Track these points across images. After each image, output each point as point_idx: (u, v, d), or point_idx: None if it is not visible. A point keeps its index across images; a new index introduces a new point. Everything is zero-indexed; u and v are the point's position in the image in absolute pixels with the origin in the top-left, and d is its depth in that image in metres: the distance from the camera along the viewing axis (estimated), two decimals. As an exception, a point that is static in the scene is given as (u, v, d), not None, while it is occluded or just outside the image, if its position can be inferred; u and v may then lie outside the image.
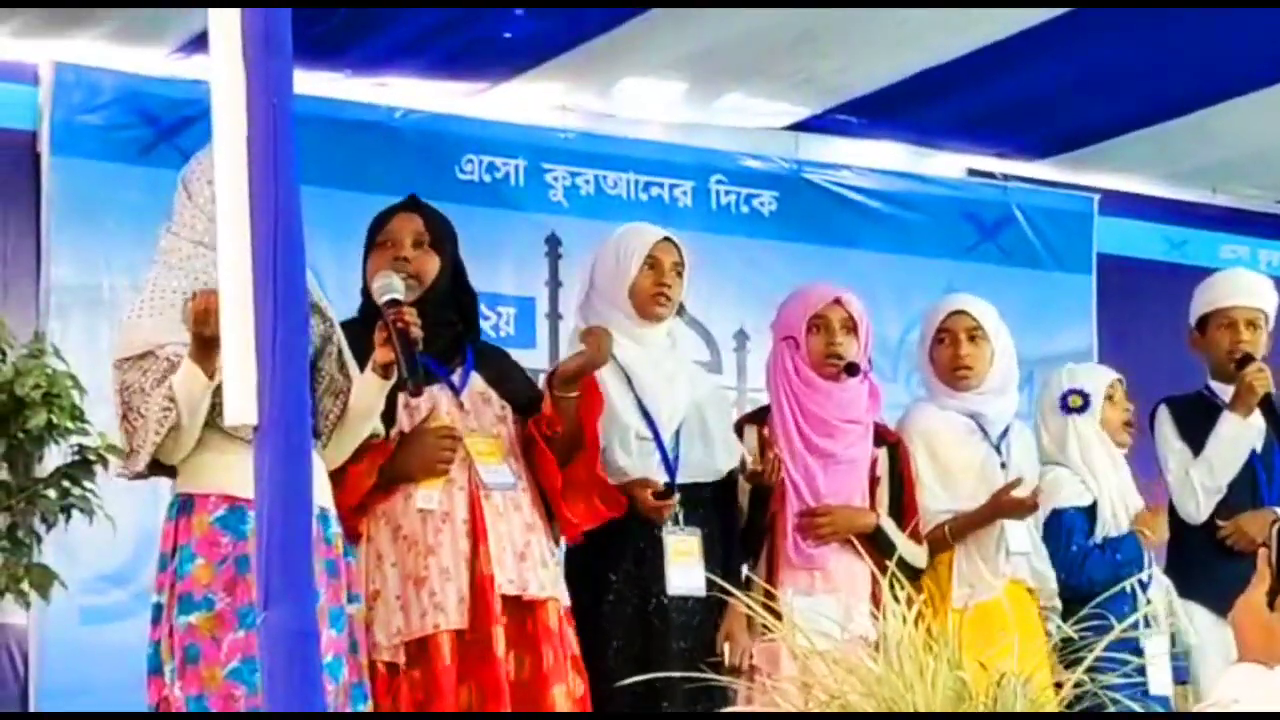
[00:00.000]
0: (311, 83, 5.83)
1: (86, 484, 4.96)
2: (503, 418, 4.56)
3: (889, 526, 4.98)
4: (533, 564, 4.41)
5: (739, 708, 3.96)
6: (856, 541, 4.66)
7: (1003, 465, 5.25)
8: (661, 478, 4.75)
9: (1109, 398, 5.51)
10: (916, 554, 5.00)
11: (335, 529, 4.12)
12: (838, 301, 5.06)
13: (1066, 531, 5.34)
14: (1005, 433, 5.31)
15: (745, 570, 4.91)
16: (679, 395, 4.87)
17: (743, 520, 4.93)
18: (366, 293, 4.48)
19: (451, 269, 4.57)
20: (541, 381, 4.69)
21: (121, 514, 5.05)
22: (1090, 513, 5.38)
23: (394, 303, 4.18)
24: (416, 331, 4.12)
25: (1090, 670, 2.50)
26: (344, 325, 4.31)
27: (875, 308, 5.47)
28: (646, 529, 4.73)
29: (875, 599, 4.24)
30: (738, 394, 6.54)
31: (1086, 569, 5.27)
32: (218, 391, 3.80)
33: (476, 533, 4.37)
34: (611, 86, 6.42)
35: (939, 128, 6.95)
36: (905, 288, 6.83)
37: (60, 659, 5.52)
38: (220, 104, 2.46)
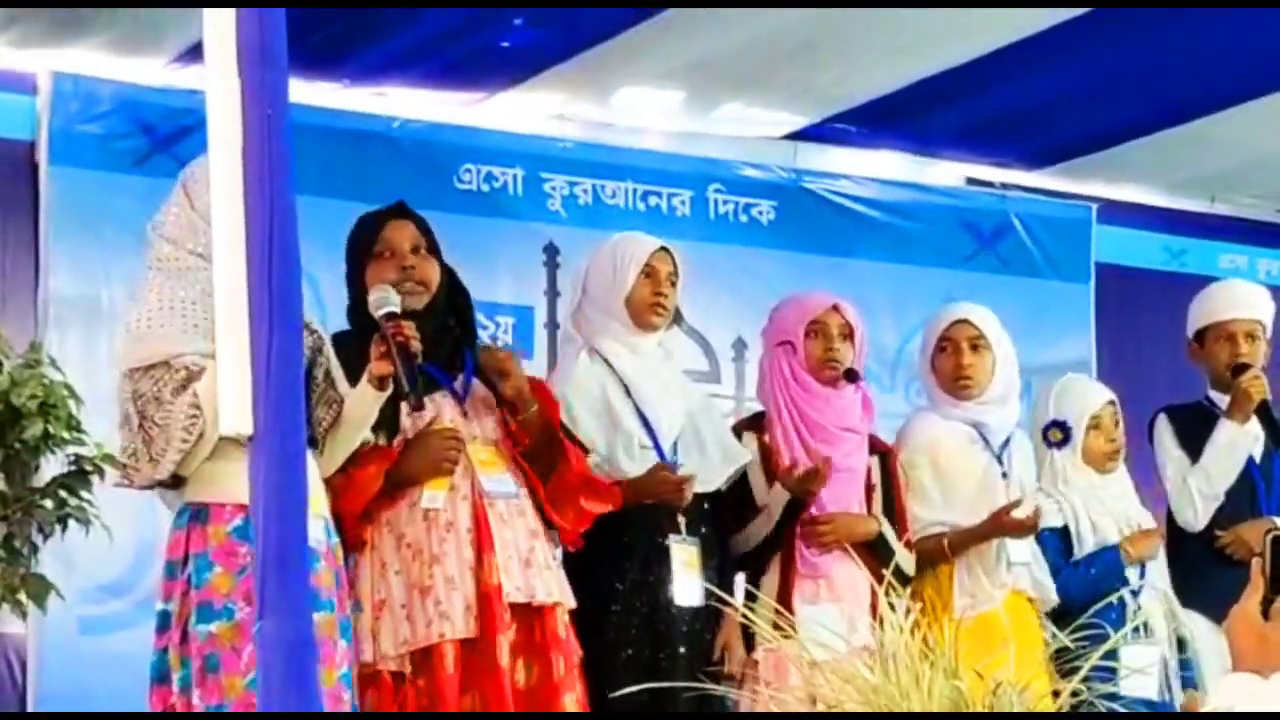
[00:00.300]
0: (309, 92, 5.84)
1: (83, 494, 4.95)
2: (503, 421, 4.55)
3: (888, 534, 4.98)
4: (538, 569, 4.40)
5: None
6: (851, 549, 4.66)
7: (1004, 475, 5.25)
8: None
9: (1095, 426, 5.47)
10: (908, 561, 4.99)
11: (335, 538, 4.11)
12: (835, 308, 5.06)
13: (1041, 551, 5.33)
14: (1006, 443, 5.31)
15: (742, 580, 4.90)
16: (675, 406, 4.87)
17: (770, 528, 4.91)
18: (357, 304, 4.45)
19: (447, 273, 4.58)
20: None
21: (119, 524, 5.05)
22: (1064, 534, 5.37)
23: (391, 315, 4.15)
24: (416, 345, 4.11)
25: (1072, 677, 2.51)
26: (335, 337, 4.28)
27: (873, 316, 5.47)
28: (651, 537, 4.72)
29: (875, 609, 4.24)
30: (736, 403, 6.53)
31: (1060, 586, 5.27)
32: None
33: (481, 541, 4.35)
34: (610, 96, 6.41)
35: (937, 137, 6.95)
36: (904, 297, 6.83)
37: (58, 668, 5.51)
38: (215, 114, 2.47)
